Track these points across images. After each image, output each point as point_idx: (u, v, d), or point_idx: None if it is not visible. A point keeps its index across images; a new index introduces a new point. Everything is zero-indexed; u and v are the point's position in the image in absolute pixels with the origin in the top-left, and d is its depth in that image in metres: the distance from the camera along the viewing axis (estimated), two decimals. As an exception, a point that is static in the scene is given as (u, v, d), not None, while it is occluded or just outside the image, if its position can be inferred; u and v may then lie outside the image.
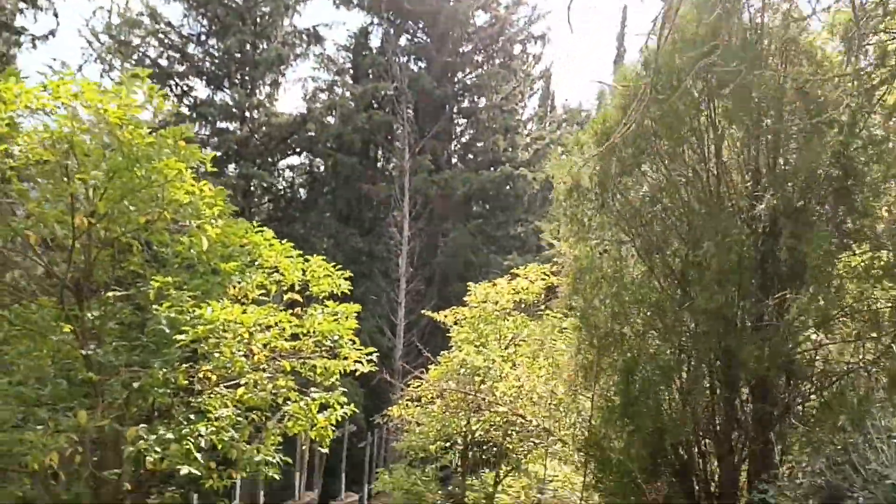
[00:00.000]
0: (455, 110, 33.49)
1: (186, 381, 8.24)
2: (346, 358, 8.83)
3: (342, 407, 9.40)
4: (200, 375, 8.36)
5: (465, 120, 33.83)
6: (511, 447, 13.15)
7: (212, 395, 8.64)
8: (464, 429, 13.13)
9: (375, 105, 31.01)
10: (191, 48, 29.59)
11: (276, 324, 8.07)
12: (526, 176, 30.32)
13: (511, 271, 13.44)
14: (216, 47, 29.00)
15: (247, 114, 28.07)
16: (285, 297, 9.42)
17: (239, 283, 8.62)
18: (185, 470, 8.15)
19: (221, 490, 9.42)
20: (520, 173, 30.26)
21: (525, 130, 36.32)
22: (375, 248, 30.03)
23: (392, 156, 32.52)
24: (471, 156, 32.96)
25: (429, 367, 13.76)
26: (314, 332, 8.92)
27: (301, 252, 9.30)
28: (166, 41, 28.69)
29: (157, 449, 7.49)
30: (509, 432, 11.99)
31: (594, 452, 8.20)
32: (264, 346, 8.34)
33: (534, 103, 42.60)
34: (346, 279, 9.33)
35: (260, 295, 9.10)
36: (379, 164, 33.16)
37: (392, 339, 29.28)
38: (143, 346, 8.06)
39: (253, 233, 8.88)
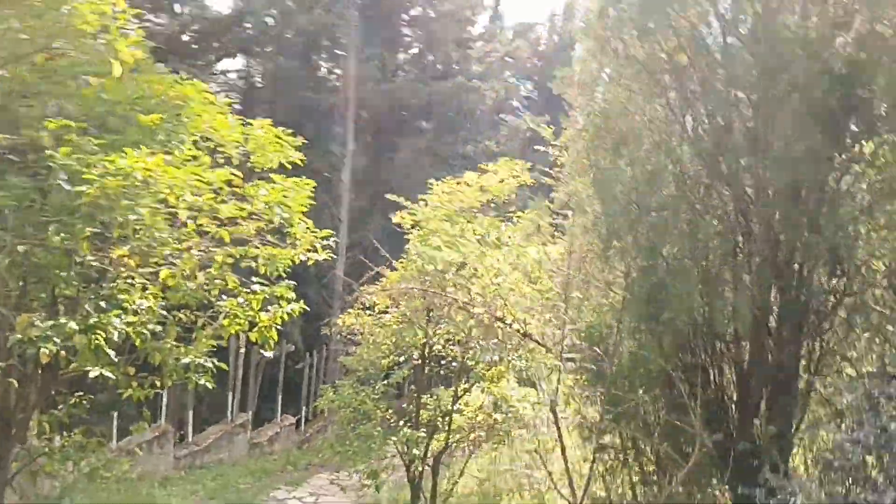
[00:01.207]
0: (405, 18, 31.30)
1: (96, 262, 6.60)
2: (296, 243, 7.29)
3: (290, 303, 7.90)
4: (115, 256, 6.72)
5: (416, 30, 31.66)
6: (473, 362, 11.91)
7: (129, 282, 7.03)
8: (422, 340, 11.79)
9: (319, 7, 28.60)
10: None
11: (209, 184, 6.43)
12: (479, 89, 28.62)
13: (479, 167, 11.95)
14: (142, -69, 26.05)
15: (176, 6, 25.43)
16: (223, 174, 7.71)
17: (165, 143, 6.90)
18: (94, 372, 6.62)
19: (144, 401, 7.91)
20: (473, 85, 28.52)
21: (476, 46, 34.40)
22: (316, 163, 28.02)
23: (336, 63, 30.31)
24: (421, 68, 30.92)
25: (374, 283, 12.30)
26: (257, 212, 7.31)
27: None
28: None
29: (56, 339, 5.88)
30: (476, 341, 10.69)
31: (592, 355, 6.93)
32: (193, 220, 6.72)
33: (483, 21, 40.60)
34: (297, 148, 7.70)
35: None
36: (321, 73, 30.92)
37: (333, 256, 27.63)
38: (39, 212, 6.33)
39: (182, 83, 7.14)
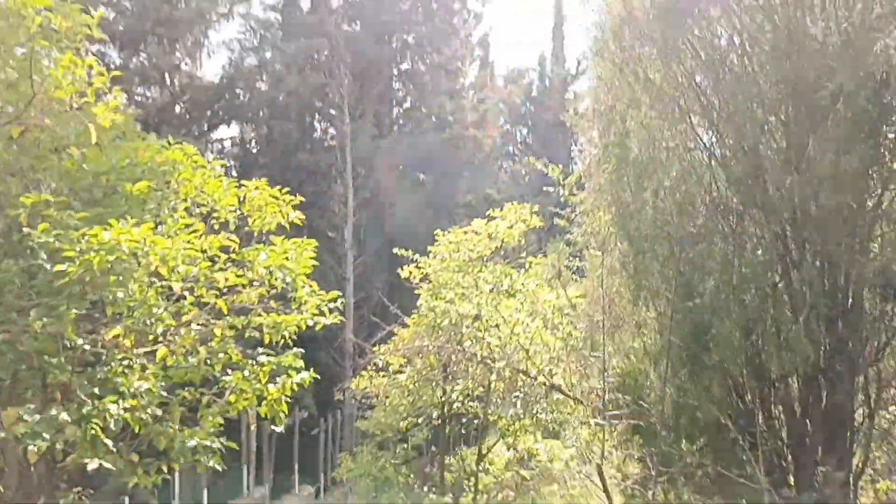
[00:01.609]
0: (396, 73, 31.34)
1: (88, 344, 6.11)
2: (301, 307, 6.81)
3: (299, 372, 7.38)
4: (108, 337, 6.24)
5: (408, 84, 31.67)
6: (495, 417, 11.32)
7: (125, 363, 6.54)
8: (440, 399, 11.22)
9: (310, 68, 28.63)
10: (101, 9, 26.71)
11: (203, 252, 5.97)
12: (475, 137, 28.43)
13: (487, 213, 11.53)
14: (129, 7, 26.20)
15: (167, 77, 25.41)
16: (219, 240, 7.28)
17: (155, 213, 6.49)
18: (93, 464, 6.10)
19: (154, 488, 7.33)
20: (469, 134, 28.34)
21: (468, 95, 34.42)
22: (318, 223, 27.74)
23: (330, 123, 30.25)
24: (415, 122, 30.82)
25: (386, 342, 11.81)
26: (258, 278, 6.85)
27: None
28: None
29: (46, 434, 5.36)
30: (497, 396, 10.12)
31: (628, 406, 6.37)
32: (190, 291, 6.27)
33: (473, 71, 40.80)
34: (296, 207, 7.28)
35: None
36: (317, 134, 30.85)
37: (341, 317, 27.08)
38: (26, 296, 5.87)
39: (170, 149, 6.75)
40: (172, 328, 6.31)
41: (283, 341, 7.43)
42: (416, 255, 11.40)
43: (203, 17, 25.53)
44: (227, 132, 29.19)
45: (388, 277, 26.41)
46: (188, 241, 5.64)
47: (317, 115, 30.87)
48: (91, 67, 5.63)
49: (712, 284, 5.40)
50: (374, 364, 11.06)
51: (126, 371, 6.61)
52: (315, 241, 7.20)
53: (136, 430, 6.21)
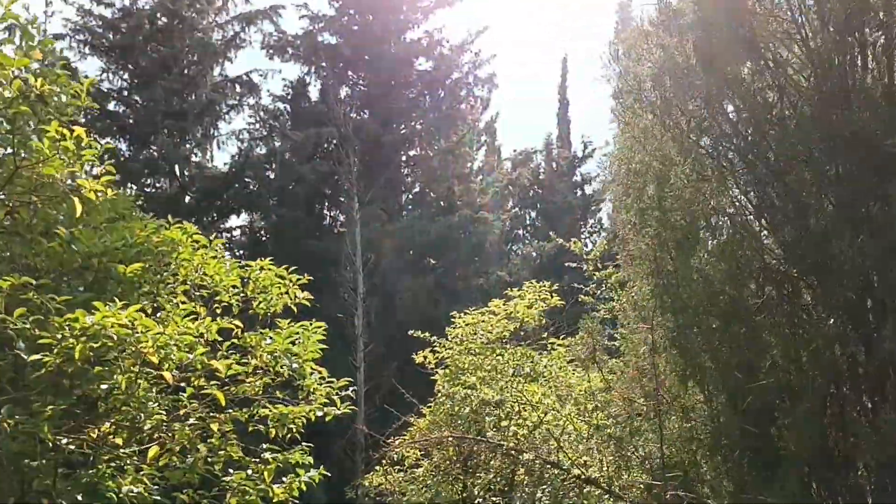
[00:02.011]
0: (404, 159, 31.40)
1: (73, 444, 5.49)
2: (310, 396, 6.21)
3: (307, 471, 6.70)
4: (94, 435, 5.63)
5: (416, 169, 31.69)
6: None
7: (114, 464, 5.90)
8: (460, 495, 10.38)
9: (318, 157, 28.71)
10: (111, 105, 27.04)
11: (201, 336, 5.40)
12: (486, 220, 28.15)
13: (505, 293, 10.98)
14: (139, 101, 26.49)
15: (176, 168, 25.41)
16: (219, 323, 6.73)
17: (151, 296, 5.97)
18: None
19: None
20: (480, 217, 28.07)
21: (476, 180, 34.40)
22: (328, 310, 27.13)
23: (339, 210, 30.12)
24: (424, 206, 30.63)
25: (400, 433, 11.06)
26: (262, 365, 6.27)
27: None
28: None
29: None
30: (524, 490, 9.31)
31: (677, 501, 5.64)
32: (187, 382, 5.69)
33: (481, 156, 40.98)
34: (302, 287, 6.75)
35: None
36: (326, 221, 30.67)
37: (353, 408, 26.15)
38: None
39: (169, 229, 6.29)
40: (166, 424, 5.69)
41: (289, 435, 6.81)
42: (433, 337, 10.80)
43: (213, 108, 25.74)
44: (236, 221, 29.06)
45: (399, 365, 25.60)
46: (184, 326, 5.09)
47: (325, 203, 30.79)
48: (81, 139, 5.20)
49: (773, 361, 4.79)
50: (389, 458, 10.28)
51: (116, 473, 5.97)
52: (323, 323, 6.65)
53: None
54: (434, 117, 31.06)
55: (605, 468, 7.07)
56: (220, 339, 5.69)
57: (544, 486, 9.30)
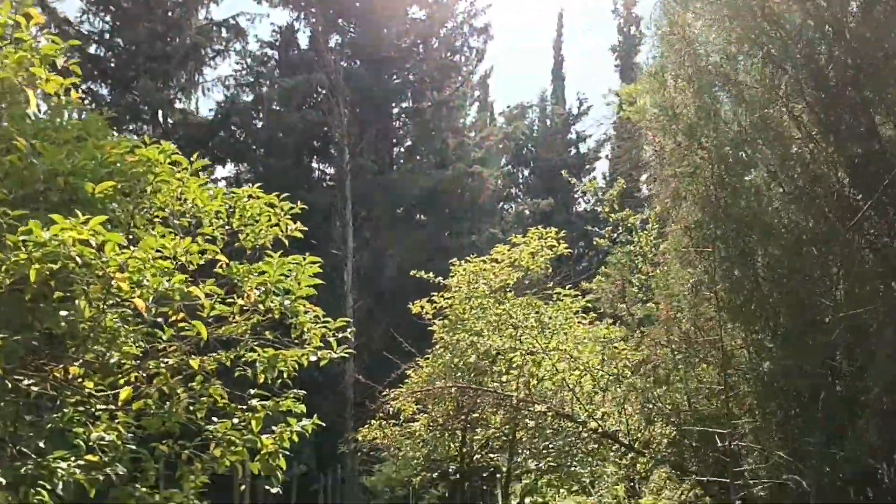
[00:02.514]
0: (396, 111, 30.43)
1: (32, 384, 4.83)
2: (303, 336, 5.56)
3: (300, 420, 6.08)
4: (59, 375, 4.97)
5: (408, 122, 30.72)
6: (522, 472, 9.94)
7: (85, 409, 5.26)
8: (458, 450, 9.85)
9: (307, 106, 27.74)
10: (92, 48, 25.88)
11: (180, 263, 4.71)
12: (480, 174, 27.37)
13: (510, 239, 10.32)
14: (121, 44, 25.36)
15: (160, 115, 24.41)
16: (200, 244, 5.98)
17: (127, 227, 5.25)
18: (36, 540, 4.82)
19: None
20: (474, 171, 27.28)
21: (470, 134, 33.48)
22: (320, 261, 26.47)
23: (329, 162, 29.23)
24: (417, 158, 29.73)
25: (397, 386, 10.45)
26: (250, 304, 5.58)
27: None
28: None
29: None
30: (526, 446, 8.76)
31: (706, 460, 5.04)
32: (165, 321, 5.03)
33: (473, 112, 39.94)
34: (293, 216, 6.04)
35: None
36: (315, 174, 29.80)
37: (341, 364, 25.65)
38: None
39: (145, 147, 5.55)
40: (141, 362, 5.02)
41: (280, 381, 6.17)
42: (437, 278, 10.16)
43: (198, 52, 24.67)
44: (221, 172, 28.15)
45: (390, 320, 25.06)
46: (161, 247, 4.38)
47: (315, 156, 29.88)
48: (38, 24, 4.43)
49: (837, 298, 4.16)
50: (384, 412, 9.68)
51: (86, 419, 5.33)
52: (320, 258, 5.96)
53: (92, 495, 4.90)
54: (427, 68, 30.03)
55: (624, 422, 6.49)
56: (201, 263, 5.00)
57: (555, 440, 8.77)
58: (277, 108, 26.91)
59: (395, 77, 29.67)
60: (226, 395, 5.78)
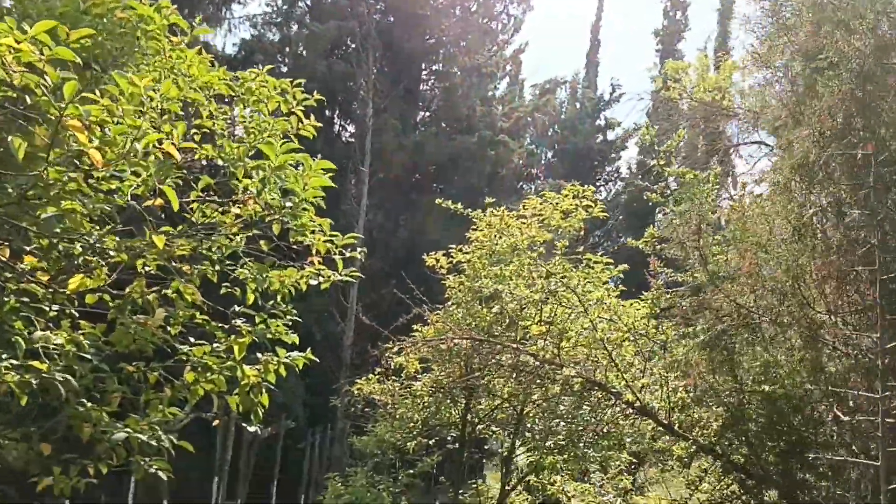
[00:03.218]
0: (426, 72, 29.34)
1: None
2: (303, 241, 4.70)
3: (288, 351, 5.19)
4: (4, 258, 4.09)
5: (437, 85, 29.61)
6: (529, 447, 9.07)
7: (26, 301, 4.40)
8: (461, 417, 8.98)
9: (335, 55, 26.67)
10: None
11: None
12: (507, 143, 26.32)
13: (541, 192, 9.36)
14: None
15: (182, 46, 23.41)
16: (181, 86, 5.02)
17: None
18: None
19: (81, 492, 5.12)
20: (501, 139, 26.22)
21: (499, 108, 32.34)
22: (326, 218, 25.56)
23: (350, 119, 28.21)
24: (442, 123, 28.59)
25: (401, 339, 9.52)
26: (246, 201, 4.65)
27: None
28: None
29: None
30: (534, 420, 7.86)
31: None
32: (137, 202, 4.14)
33: (503, 87, 38.73)
34: (307, 111, 5.08)
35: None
36: (335, 128, 28.78)
37: (341, 323, 24.85)
38: None
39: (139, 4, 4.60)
40: (99, 246, 4.13)
41: (271, 304, 5.27)
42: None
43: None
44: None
45: (400, 285, 24.22)
46: (134, 92, 3.43)
47: (337, 110, 28.85)
48: None
49: None
50: (384, 365, 8.77)
51: (31, 314, 4.45)
52: (330, 163, 5.04)
53: (24, 402, 4.03)
54: (462, 31, 28.87)
55: (667, 399, 5.56)
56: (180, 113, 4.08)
57: (570, 416, 7.88)
58: (304, 52, 25.86)
59: (427, 37, 28.53)
60: (196, 296, 4.89)
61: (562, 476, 9.55)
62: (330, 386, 21.09)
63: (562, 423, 8.69)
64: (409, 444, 9.48)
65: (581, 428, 7.84)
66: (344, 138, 28.83)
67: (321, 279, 5.06)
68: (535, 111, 30.02)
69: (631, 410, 5.81)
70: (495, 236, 9.20)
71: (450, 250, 9.88)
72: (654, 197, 6.83)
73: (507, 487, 9.43)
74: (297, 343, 5.20)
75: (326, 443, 21.71)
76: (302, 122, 4.95)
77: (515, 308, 7.07)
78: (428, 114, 29.73)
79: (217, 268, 5.23)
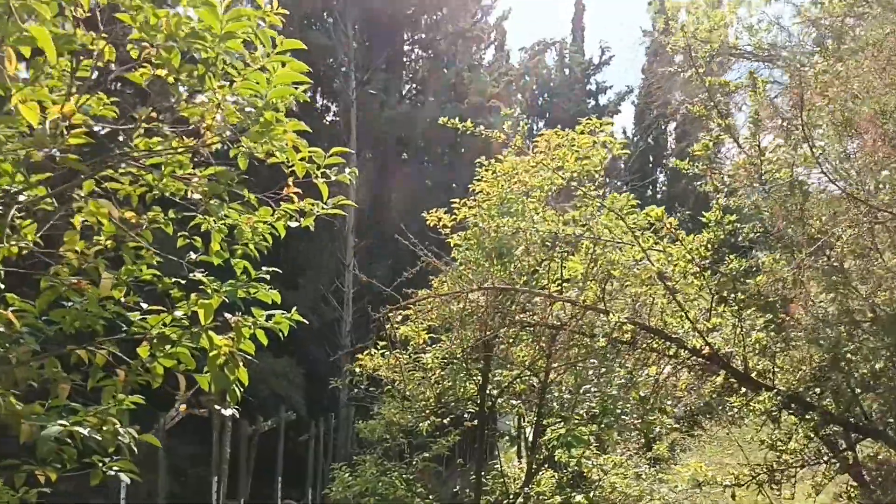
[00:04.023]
0: (408, 41, 28.10)
1: None
2: (273, 161, 3.61)
3: (269, 317, 4.08)
4: None
5: (421, 53, 28.39)
6: (557, 420, 8.05)
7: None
8: (479, 391, 7.93)
9: (314, 27, 25.45)
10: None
11: None
12: (499, 108, 25.14)
13: (555, 130, 8.25)
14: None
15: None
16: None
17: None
18: None
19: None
20: (493, 105, 25.07)
21: (486, 76, 31.12)
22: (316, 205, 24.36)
23: (333, 97, 27.00)
24: (430, 93, 27.36)
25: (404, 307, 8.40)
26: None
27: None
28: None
29: None
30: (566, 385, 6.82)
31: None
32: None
33: (489, 55, 37.54)
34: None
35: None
36: (318, 105, 27.59)
37: (339, 308, 23.79)
38: None
39: None
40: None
41: (240, 254, 4.20)
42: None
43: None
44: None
45: (392, 263, 23.12)
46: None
47: (319, 86, 27.65)
48: None
49: None
50: (388, 336, 7.66)
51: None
52: (306, 65, 3.92)
53: None
54: (445, -4, 27.63)
55: (742, 341, 4.51)
56: None
57: (586, 384, 6.84)
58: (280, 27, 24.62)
59: (408, 5, 27.25)
60: (149, 253, 3.83)
61: (591, 449, 8.56)
62: (330, 376, 20.08)
63: (592, 389, 7.67)
64: (421, 424, 8.43)
65: (620, 390, 6.82)
66: (327, 119, 27.66)
67: (303, 215, 3.98)
68: (526, 75, 28.81)
69: (693, 361, 4.74)
70: (504, 185, 8.11)
71: (452, 205, 8.80)
72: (697, 110, 5.73)
73: (533, 467, 8.41)
74: (280, 302, 4.11)
75: (331, 432, 20.70)
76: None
77: (542, 250, 5.99)
78: (414, 84, 28.51)
79: (172, 214, 4.19)
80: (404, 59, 28.77)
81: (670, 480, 9.47)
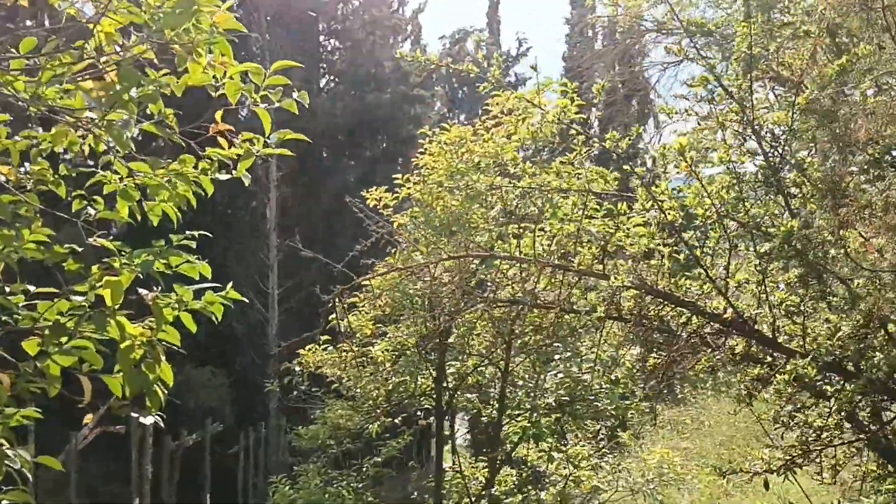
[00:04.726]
0: (325, 30, 26.97)
1: None
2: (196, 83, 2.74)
3: (198, 295, 3.17)
4: None
5: (339, 43, 27.23)
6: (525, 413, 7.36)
7: None
8: (435, 383, 7.13)
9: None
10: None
11: None
12: (424, 98, 24.39)
13: (504, 92, 7.50)
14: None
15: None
16: None
17: None
18: None
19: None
20: (417, 95, 24.24)
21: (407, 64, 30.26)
22: (237, 197, 22.95)
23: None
24: (350, 85, 26.20)
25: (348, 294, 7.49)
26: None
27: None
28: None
29: None
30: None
31: None
32: None
33: (407, 47, 36.60)
34: None
35: None
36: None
37: (263, 312, 22.54)
38: None
39: None
40: None
41: (155, 216, 3.31)
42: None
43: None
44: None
45: (319, 265, 22.03)
46: None
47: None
48: None
49: None
50: (337, 325, 6.74)
51: None
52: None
53: None
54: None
55: (766, 302, 3.81)
56: None
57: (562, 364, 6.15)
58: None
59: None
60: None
61: (553, 441, 7.87)
62: (257, 384, 18.90)
63: (559, 375, 7.01)
64: (370, 426, 7.57)
65: (594, 374, 6.15)
66: (241, 114, 26.26)
67: (237, 160, 3.12)
68: (442, 68, 28.12)
69: (711, 329, 4.07)
70: (451, 156, 7.33)
71: (395, 182, 7.99)
72: (674, 48, 5.05)
73: (496, 464, 7.67)
74: (209, 276, 3.22)
75: (262, 443, 19.49)
76: None
77: (525, 205, 5.17)
78: (332, 77, 27.36)
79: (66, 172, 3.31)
80: (321, 51, 27.64)
81: (637, 469, 8.90)
